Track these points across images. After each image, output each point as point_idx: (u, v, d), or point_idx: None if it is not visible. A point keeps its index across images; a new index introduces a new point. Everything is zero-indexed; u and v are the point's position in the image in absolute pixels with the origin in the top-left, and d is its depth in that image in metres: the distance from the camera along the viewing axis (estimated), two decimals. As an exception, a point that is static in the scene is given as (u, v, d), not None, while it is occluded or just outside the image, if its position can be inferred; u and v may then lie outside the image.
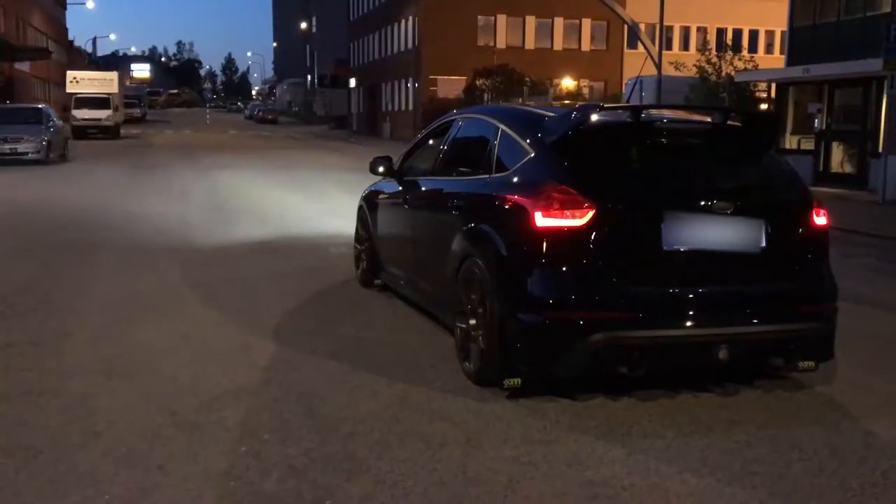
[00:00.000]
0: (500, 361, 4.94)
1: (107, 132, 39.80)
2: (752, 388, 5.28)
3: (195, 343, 6.14)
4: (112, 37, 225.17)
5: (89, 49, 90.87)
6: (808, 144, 23.06)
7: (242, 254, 10.10)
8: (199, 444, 4.27)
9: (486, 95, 40.95)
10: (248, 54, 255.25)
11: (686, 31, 50.74)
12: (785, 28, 25.79)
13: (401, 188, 7.18)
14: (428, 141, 7.22)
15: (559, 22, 48.97)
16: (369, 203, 7.99)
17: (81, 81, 44.23)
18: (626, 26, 39.77)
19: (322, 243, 10.85)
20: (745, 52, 27.52)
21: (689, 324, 4.77)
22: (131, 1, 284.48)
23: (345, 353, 5.93)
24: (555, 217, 4.72)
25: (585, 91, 40.91)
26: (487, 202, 5.42)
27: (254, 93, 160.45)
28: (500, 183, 5.37)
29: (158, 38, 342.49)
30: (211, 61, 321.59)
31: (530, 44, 48.64)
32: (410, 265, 6.87)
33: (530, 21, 48.64)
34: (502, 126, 5.69)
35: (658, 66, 26.16)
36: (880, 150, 19.87)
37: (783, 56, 28.25)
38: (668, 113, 5.54)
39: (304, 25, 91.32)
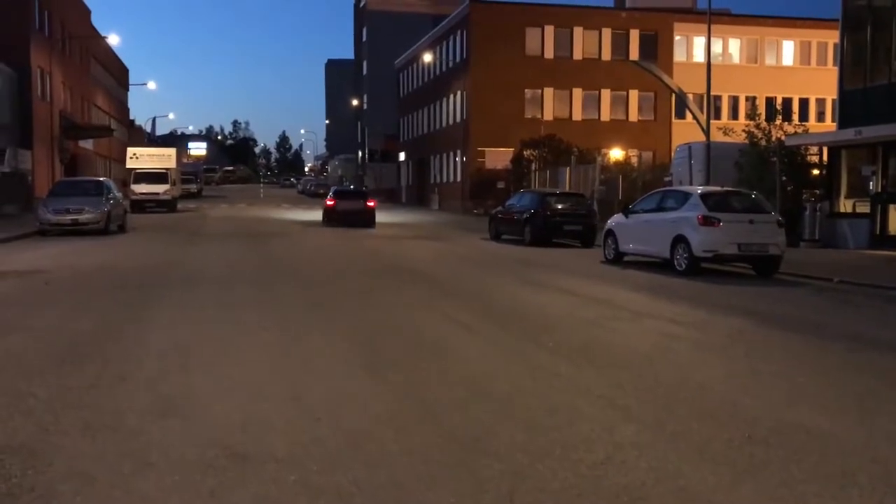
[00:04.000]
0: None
1: (164, 206, 40.85)
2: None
3: (248, 386, 6.23)
4: (171, 116, 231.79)
5: (149, 128, 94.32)
6: (864, 208, 22.72)
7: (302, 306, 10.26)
8: (250, 474, 4.31)
9: (533, 165, 41.30)
10: (302, 131, 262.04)
11: (735, 101, 50.80)
12: (835, 96, 25.73)
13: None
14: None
15: (606, 93, 49.48)
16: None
17: (141, 157, 45.63)
18: (673, 96, 40.12)
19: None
20: (795, 120, 27.40)
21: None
22: (190, 82, 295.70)
23: (389, 394, 5.96)
24: (331, 202, 31.43)
25: (634, 160, 40.93)
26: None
27: (306, 169, 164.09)
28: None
29: (215, 117, 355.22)
30: (265, 139, 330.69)
31: (577, 115, 49.12)
32: None
33: (577, 93, 49.24)
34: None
35: (707, 132, 26.19)
36: (938, 211, 19.47)
37: (834, 124, 28.10)
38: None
39: (355, 103, 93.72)
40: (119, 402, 5.75)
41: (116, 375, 6.53)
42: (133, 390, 6.09)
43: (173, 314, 9.74)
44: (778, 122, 25.33)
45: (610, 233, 18.39)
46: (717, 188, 18.06)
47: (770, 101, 47.57)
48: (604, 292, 12.72)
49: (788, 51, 52.37)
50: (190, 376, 6.56)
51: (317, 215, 35.23)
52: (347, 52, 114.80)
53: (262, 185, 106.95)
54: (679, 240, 15.79)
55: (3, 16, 38.23)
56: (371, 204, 31.36)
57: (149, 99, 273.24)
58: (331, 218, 30.79)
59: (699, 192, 16.75)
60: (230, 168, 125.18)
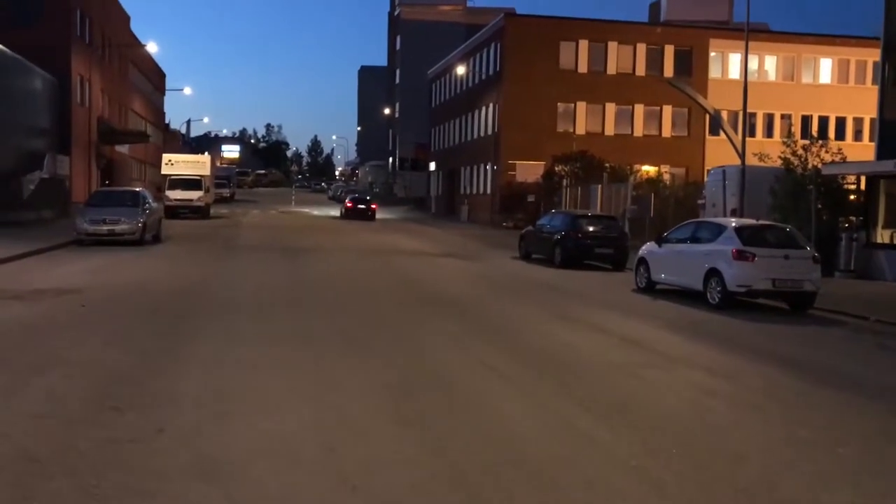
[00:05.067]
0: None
1: (198, 212, 41.40)
2: None
3: (283, 445, 6.27)
4: (205, 120, 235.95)
5: (184, 131, 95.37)
6: (902, 238, 22.39)
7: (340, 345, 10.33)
8: (289, 558, 4.35)
9: (564, 181, 41.19)
10: (333, 137, 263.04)
11: (770, 118, 50.37)
12: (873, 115, 25.34)
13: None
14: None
15: (639, 109, 49.28)
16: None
17: (176, 164, 46.14)
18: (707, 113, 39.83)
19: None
20: (832, 140, 26.90)
21: None
22: (225, 86, 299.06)
23: (422, 457, 5.98)
24: (349, 204, 48.61)
25: (666, 177, 40.68)
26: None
27: (337, 173, 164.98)
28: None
29: (249, 120, 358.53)
30: (298, 143, 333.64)
31: (610, 130, 48.96)
32: None
33: (610, 108, 49.08)
34: None
35: (742, 155, 25.89)
36: (978, 246, 19.14)
37: (872, 143, 27.69)
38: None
39: (387, 111, 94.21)
40: (158, 461, 5.81)
41: (155, 426, 6.61)
42: (171, 446, 6.15)
43: (209, 349, 9.81)
44: (815, 148, 24.92)
45: (642, 261, 18.32)
46: (752, 221, 17.88)
47: (806, 120, 47.26)
48: (636, 330, 12.65)
49: (826, 69, 51.80)
50: (227, 428, 6.61)
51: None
52: (381, 59, 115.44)
53: (293, 189, 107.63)
54: (712, 273, 15.69)
55: (46, 23, 38.89)
56: (374, 206, 48.70)
57: (184, 102, 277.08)
58: (347, 214, 47.55)
59: (734, 224, 16.62)
60: (262, 171, 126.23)
